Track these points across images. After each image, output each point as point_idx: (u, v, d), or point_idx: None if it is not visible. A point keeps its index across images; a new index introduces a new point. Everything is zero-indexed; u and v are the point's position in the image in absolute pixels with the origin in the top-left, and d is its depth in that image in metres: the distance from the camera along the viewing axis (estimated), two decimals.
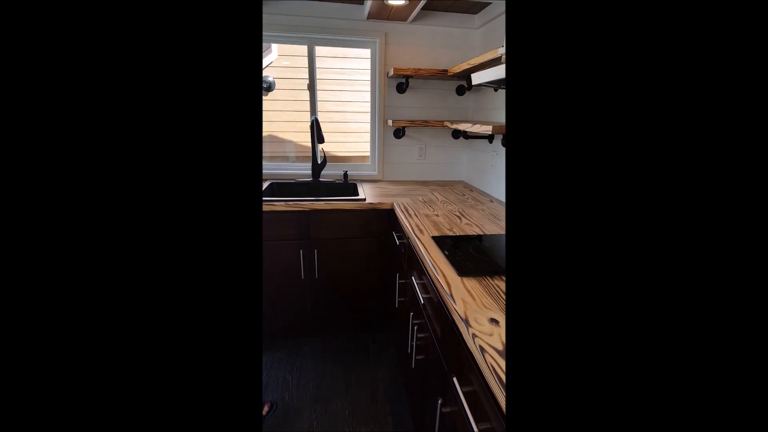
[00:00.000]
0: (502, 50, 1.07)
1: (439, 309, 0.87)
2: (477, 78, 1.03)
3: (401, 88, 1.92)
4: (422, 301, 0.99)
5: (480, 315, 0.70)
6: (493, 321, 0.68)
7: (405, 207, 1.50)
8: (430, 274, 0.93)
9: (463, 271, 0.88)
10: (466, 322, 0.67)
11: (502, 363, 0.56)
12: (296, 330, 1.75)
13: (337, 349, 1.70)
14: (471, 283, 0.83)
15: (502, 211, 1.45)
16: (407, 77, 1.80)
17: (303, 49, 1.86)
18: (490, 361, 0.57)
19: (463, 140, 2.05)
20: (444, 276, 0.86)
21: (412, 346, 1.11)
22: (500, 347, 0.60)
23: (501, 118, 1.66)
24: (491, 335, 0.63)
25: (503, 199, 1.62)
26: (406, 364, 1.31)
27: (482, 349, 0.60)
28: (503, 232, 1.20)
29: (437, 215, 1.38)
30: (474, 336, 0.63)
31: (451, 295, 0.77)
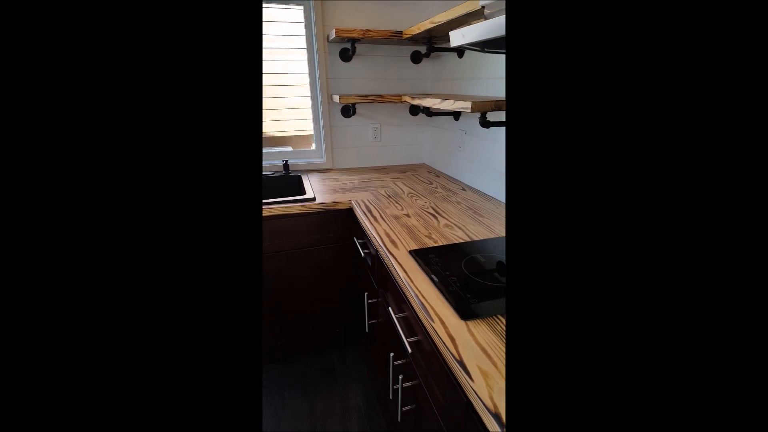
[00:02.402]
0: (484, 0, 0.80)
1: (440, 369, 0.63)
2: (458, 37, 0.75)
3: (346, 56, 1.57)
4: (409, 348, 0.75)
5: None
6: None
7: (366, 206, 1.22)
8: (418, 312, 0.69)
9: (465, 310, 0.64)
10: (498, 418, 0.44)
11: None
12: None
13: (297, 374, 1.43)
14: (482, 332, 0.60)
15: (480, 204, 1.24)
16: (353, 41, 1.46)
17: None
18: None
19: (423, 117, 1.78)
20: (442, 322, 0.62)
21: (395, 391, 0.88)
22: None
23: (468, 90, 1.41)
24: None
25: (476, 186, 1.41)
26: (384, 397, 1.09)
27: None
28: (491, 233, 0.99)
29: (408, 215, 1.13)
30: None
31: (462, 363, 0.53)
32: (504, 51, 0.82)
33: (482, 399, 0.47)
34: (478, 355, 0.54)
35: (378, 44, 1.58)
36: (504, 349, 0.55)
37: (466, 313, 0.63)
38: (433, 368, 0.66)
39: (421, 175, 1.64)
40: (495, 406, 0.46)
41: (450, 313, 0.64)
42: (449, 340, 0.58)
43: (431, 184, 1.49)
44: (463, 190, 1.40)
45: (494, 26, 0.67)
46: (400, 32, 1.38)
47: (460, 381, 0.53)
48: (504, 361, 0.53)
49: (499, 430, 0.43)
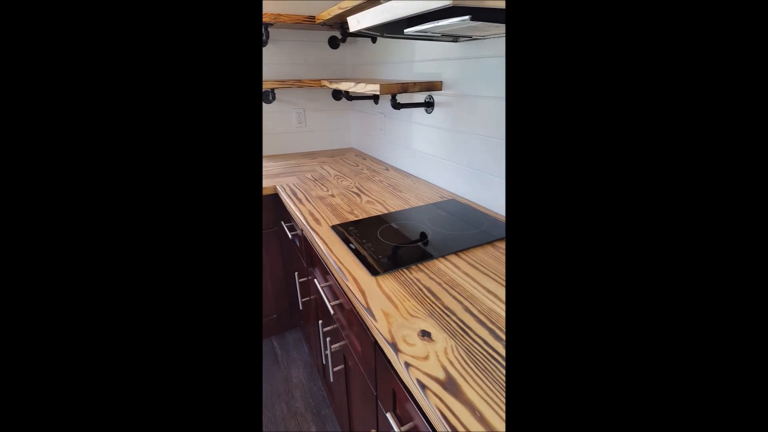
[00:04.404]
0: None
1: (356, 322, 0.71)
2: (356, 23, 0.81)
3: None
4: (332, 310, 0.81)
5: (408, 330, 0.56)
6: (425, 335, 0.55)
7: (292, 189, 1.24)
8: (337, 277, 0.75)
9: (375, 268, 0.72)
10: (394, 346, 0.53)
11: (448, 399, 0.44)
12: None
13: None
14: (388, 283, 0.68)
15: (400, 181, 1.34)
16: (266, 26, 1.44)
17: None
18: (435, 403, 0.44)
19: (346, 102, 1.83)
20: (355, 280, 0.69)
21: (326, 356, 0.95)
22: (442, 376, 0.47)
23: (384, 74, 1.49)
24: (426, 359, 0.50)
25: (397, 165, 1.51)
26: (321, 366, 1.15)
27: (422, 385, 0.46)
28: (406, 205, 1.09)
29: (333, 195, 1.18)
30: (408, 365, 0.49)
31: (369, 309, 0.61)
32: (399, 36, 0.90)
33: (383, 334, 0.56)
34: (383, 301, 0.63)
35: (293, 29, 1.58)
36: (404, 293, 0.65)
37: (375, 270, 0.72)
38: (352, 324, 0.73)
39: (348, 158, 1.70)
40: (392, 337, 0.55)
41: (363, 272, 0.72)
42: (360, 294, 0.65)
43: (357, 166, 1.56)
44: (387, 170, 1.49)
45: (386, 11, 0.74)
46: (313, 17, 1.40)
47: (368, 324, 0.61)
48: (402, 303, 0.62)
49: (394, 354, 0.52)
